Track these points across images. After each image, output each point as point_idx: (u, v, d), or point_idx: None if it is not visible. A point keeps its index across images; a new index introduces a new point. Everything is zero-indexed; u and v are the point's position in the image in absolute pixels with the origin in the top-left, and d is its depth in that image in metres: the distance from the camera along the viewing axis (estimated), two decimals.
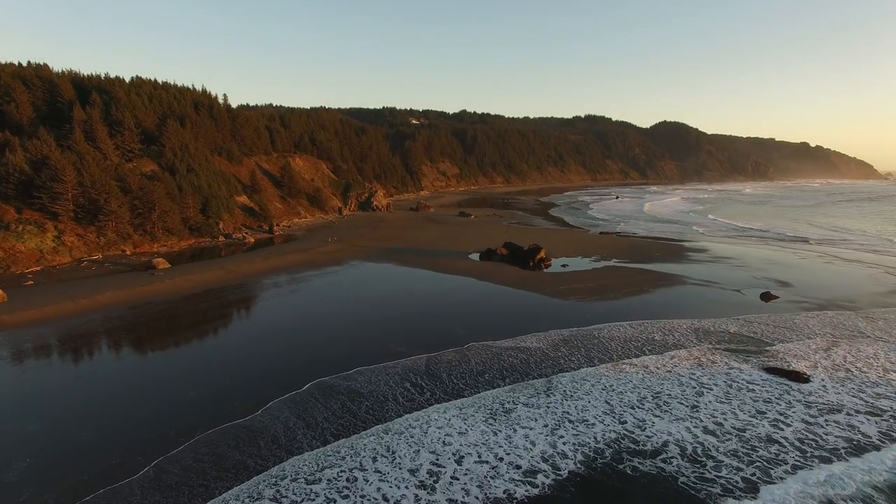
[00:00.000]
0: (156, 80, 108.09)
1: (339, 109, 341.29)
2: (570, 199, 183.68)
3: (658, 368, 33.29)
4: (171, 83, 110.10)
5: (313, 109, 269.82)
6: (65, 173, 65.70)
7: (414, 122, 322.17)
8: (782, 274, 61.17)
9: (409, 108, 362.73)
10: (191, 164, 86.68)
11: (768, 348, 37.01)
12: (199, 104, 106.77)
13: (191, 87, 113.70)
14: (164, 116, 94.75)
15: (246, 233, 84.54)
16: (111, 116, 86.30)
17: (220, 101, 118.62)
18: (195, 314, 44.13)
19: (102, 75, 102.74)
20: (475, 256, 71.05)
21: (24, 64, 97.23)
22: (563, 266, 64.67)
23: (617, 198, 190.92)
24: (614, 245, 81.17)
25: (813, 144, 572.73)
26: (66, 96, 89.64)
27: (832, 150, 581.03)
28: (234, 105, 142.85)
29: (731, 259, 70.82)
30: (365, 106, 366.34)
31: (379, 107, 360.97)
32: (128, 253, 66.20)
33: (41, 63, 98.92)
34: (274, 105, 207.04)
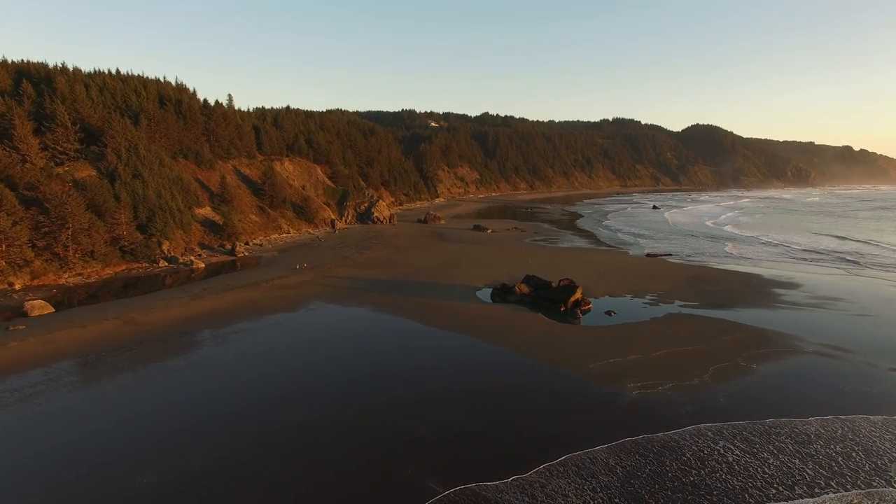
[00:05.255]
0: (117, 71, 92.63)
1: (356, 112, 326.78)
2: (601, 209, 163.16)
3: None
4: (135, 74, 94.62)
5: (329, 112, 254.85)
6: None
7: (433, 124, 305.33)
8: None
9: (429, 111, 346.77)
10: (138, 169, 70.24)
11: None
12: (165, 98, 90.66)
13: (162, 79, 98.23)
14: (114, 111, 78.72)
15: (199, 254, 67.52)
16: (44, 111, 70.68)
17: (215, 98, 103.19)
18: None
19: (58, 65, 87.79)
20: (486, 294, 52.50)
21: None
22: (608, 313, 45.61)
23: (654, 206, 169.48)
24: (669, 275, 61.65)
25: (857, 148, 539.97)
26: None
27: (879, 153, 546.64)
28: (250, 109, 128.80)
29: (841, 301, 50.75)
30: (384, 109, 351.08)
31: (398, 109, 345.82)
32: (17, 287, 49.46)
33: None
34: (290, 108, 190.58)
